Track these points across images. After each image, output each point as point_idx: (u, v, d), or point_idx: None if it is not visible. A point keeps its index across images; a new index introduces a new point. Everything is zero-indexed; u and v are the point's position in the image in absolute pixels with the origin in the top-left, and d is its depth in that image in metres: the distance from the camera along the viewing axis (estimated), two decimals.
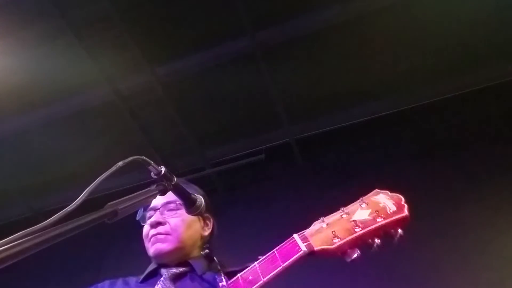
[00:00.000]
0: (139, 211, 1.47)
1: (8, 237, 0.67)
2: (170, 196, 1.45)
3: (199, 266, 1.40)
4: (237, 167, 3.93)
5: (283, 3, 3.30)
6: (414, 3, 3.22)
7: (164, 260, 1.41)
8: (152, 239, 1.41)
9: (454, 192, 3.07)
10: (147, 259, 1.50)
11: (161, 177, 1.05)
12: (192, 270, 1.39)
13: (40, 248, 0.69)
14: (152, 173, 1.05)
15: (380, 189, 1.21)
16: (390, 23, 3.30)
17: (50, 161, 4.13)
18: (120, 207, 0.86)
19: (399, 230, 1.10)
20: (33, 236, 0.69)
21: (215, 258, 1.34)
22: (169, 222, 1.42)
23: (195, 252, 1.46)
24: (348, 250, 1.09)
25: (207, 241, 1.50)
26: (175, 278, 1.35)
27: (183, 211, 1.41)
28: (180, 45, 3.50)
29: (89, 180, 0.88)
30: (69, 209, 0.80)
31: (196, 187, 1.49)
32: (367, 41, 3.43)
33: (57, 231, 0.72)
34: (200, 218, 1.48)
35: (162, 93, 3.61)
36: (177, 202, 1.44)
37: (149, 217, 1.47)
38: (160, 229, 1.41)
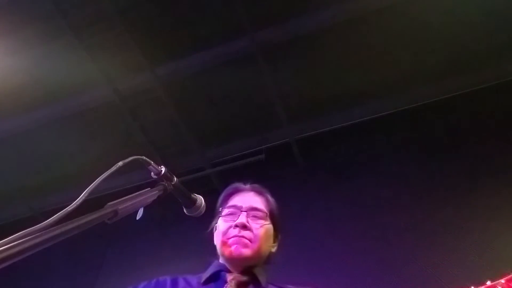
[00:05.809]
0: (139, 211, 1.47)
1: (8, 237, 0.67)
2: (258, 202, 1.48)
3: (263, 277, 1.40)
4: (237, 167, 3.93)
5: (283, 3, 3.30)
6: (414, 3, 3.22)
7: (237, 264, 1.40)
8: (234, 239, 1.39)
9: (454, 192, 3.06)
10: (147, 259, 1.49)
11: (161, 177, 1.05)
12: (255, 280, 1.38)
13: (40, 248, 0.68)
14: (152, 173, 1.06)
15: None
16: (390, 23, 3.30)
17: (50, 161, 4.13)
18: (120, 207, 0.86)
19: None
20: (33, 236, 0.69)
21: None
22: (253, 229, 1.41)
23: (260, 264, 1.45)
24: None
25: (272, 258, 1.50)
26: (240, 286, 1.35)
27: (267, 222, 1.45)
28: (180, 45, 3.50)
29: (89, 180, 0.88)
30: (69, 209, 0.80)
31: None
32: (367, 41, 3.43)
33: (57, 231, 0.72)
34: (274, 234, 1.49)
35: (162, 93, 3.61)
36: (265, 211, 1.46)
37: (230, 214, 1.46)
38: (245, 233, 1.39)
